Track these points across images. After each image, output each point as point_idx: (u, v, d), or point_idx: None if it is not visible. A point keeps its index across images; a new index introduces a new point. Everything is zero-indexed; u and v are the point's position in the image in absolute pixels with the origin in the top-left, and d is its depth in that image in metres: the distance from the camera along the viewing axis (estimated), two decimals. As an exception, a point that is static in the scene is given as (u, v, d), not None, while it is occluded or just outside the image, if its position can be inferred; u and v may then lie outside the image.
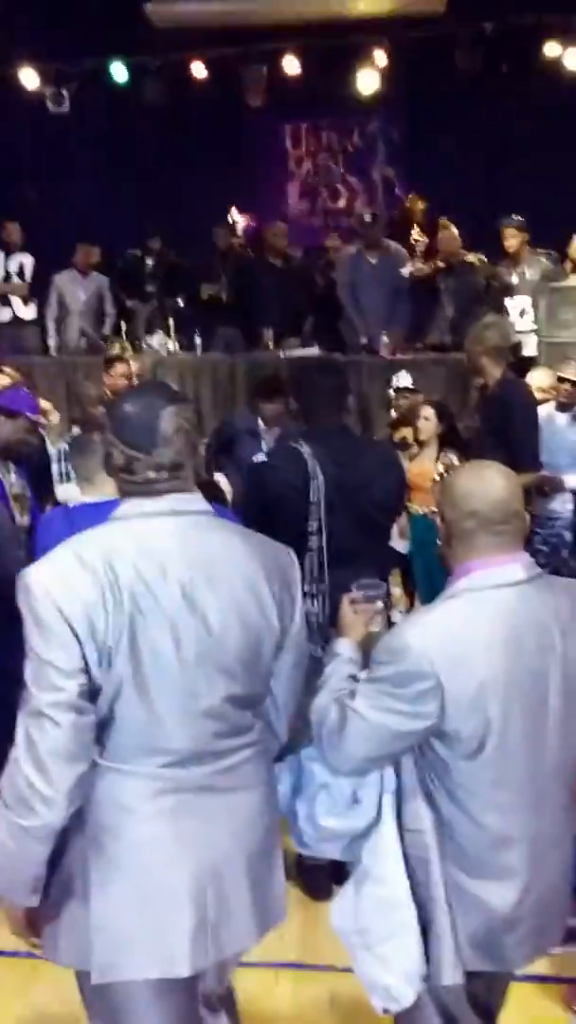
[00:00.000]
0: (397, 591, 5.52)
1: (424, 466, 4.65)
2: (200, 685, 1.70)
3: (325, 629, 2.94)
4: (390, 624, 5.40)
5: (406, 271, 7.17)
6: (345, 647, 2.03)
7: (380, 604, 2.18)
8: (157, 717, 1.67)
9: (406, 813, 1.83)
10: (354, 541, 2.97)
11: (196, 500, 1.81)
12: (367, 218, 7.43)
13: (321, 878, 3.07)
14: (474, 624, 1.74)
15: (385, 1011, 1.85)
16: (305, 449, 2.97)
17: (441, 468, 4.30)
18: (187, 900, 1.71)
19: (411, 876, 1.80)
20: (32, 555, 2.89)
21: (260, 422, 5.00)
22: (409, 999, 1.80)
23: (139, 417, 1.74)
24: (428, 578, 4.51)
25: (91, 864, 1.70)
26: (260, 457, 3.16)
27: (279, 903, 1.90)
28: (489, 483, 1.81)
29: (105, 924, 1.69)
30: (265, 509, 2.99)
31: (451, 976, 1.79)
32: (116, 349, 6.88)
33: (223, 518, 1.91)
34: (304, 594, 2.99)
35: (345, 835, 1.91)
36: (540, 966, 2.64)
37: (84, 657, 1.63)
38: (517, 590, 1.77)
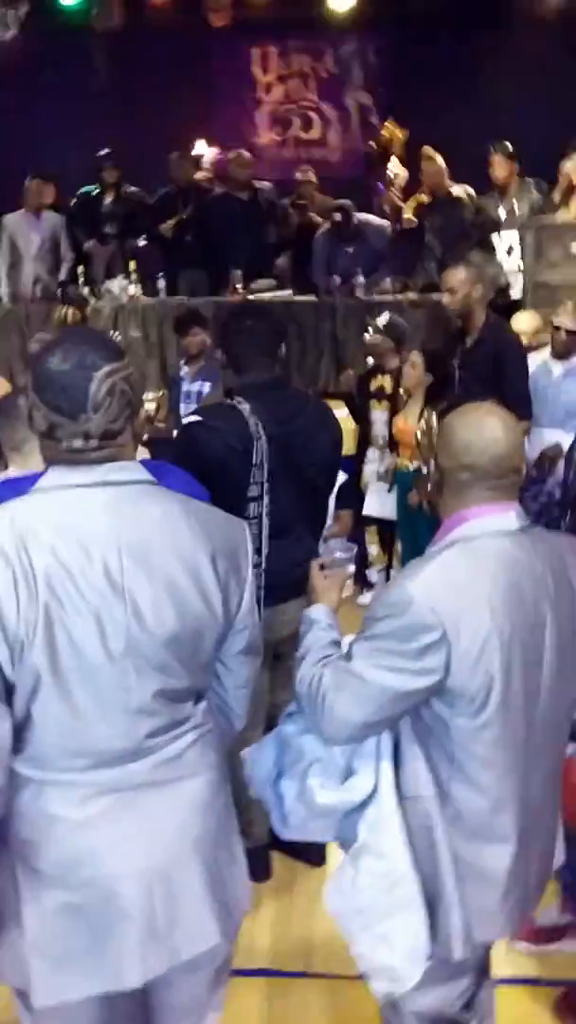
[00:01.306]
0: (374, 549, 5.16)
1: (410, 420, 4.28)
2: (129, 680, 1.56)
3: (259, 604, 2.65)
4: (366, 586, 5.12)
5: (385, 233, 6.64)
6: (321, 613, 1.94)
7: (351, 568, 2.09)
8: (81, 716, 1.55)
9: (404, 780, 1.75)
10: (295, 507, 2.77)
11: (133, 469, 1.61)
12: (337, 217, 6.74)
13: (313, 845, 2.94)
14: (477, 573, 1.67)
15: (388, 995, 1.77)
16: (244, 406, 2.68)
17: (423, 426, 3.88)
18: (131, 907, 1.61)
19: (413, 847, 1.72)
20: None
21: (183, 365, 4.61)
22: (414, 979, 1.73)
23: (66, 377, 1.53)
24: (413, 537, 4.22)
25: (21, 881, 1.60)
26: (193, 417, 2.76)
27: (242, 891, 1.81)
28: (489, 436, 1.72)
29: (42, 944, 1.59)
30: (201, 476, 2.62)
31: (461, 950, 1.73)
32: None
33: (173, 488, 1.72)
34: None
35: (340, 811, 1.80)
36: (528, 968, 2.64)
37: None
38: (513, 539, 1.72)
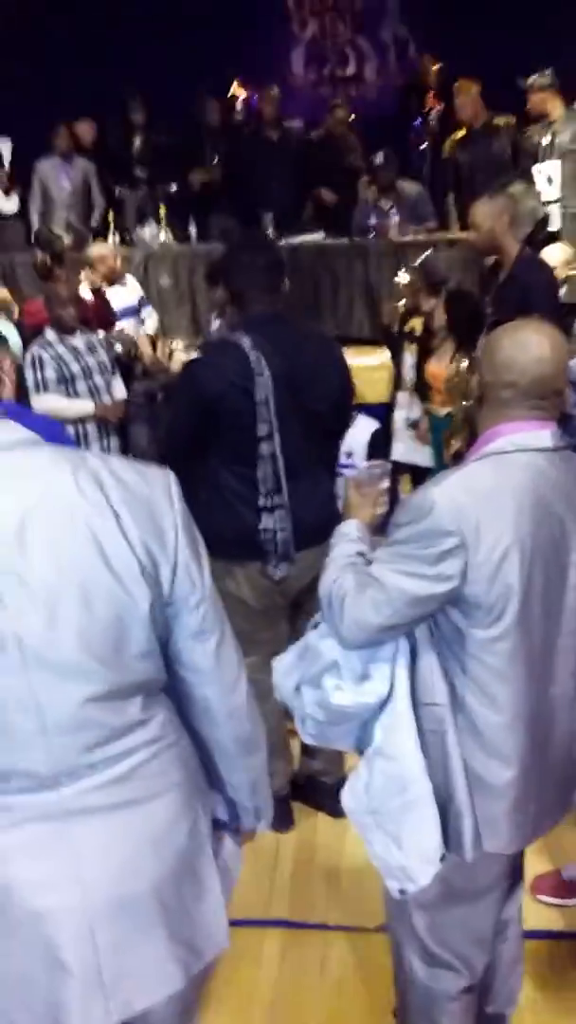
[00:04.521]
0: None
1: (441, 364, 4.11)
2: (40, 694, 1.29)
3: (288, 547, 2.67)
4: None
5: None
6: (352, 527, 1.91)
7: (386, 483, 2.05)
8: None
9: (420, 686, 1.74)
10: (307, 448, 2.66)
11: (10, 428, 1.35)
12: (378, 160, 6.43)
13: (329, 792, 2.87)
14: (503, 485, 1.66)
15: (402, 892, 1.76)
16: (244, 340, 2.58)
17: (453, 370, 3.73)
18: (68, 955, 1.34)
19: (426, 751, 1.72)
20: None
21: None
22: (427, 878, 1.72)
23: None
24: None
25: None
26: (190, 355, 2.69)
27: (213, 928, 1.50)
28: (535, 354, 1.69)
29: None
30: (204, 418, 2.60)
31: (471, 852, 1.73)
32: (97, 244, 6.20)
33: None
34: (259, 507, 2.62)
35: (357, 714, 1.79)
36: (552, 921, 2.58)
37: None
38: (546, 456, 1.71)
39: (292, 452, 2.63)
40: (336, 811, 3.01)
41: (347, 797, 1.82)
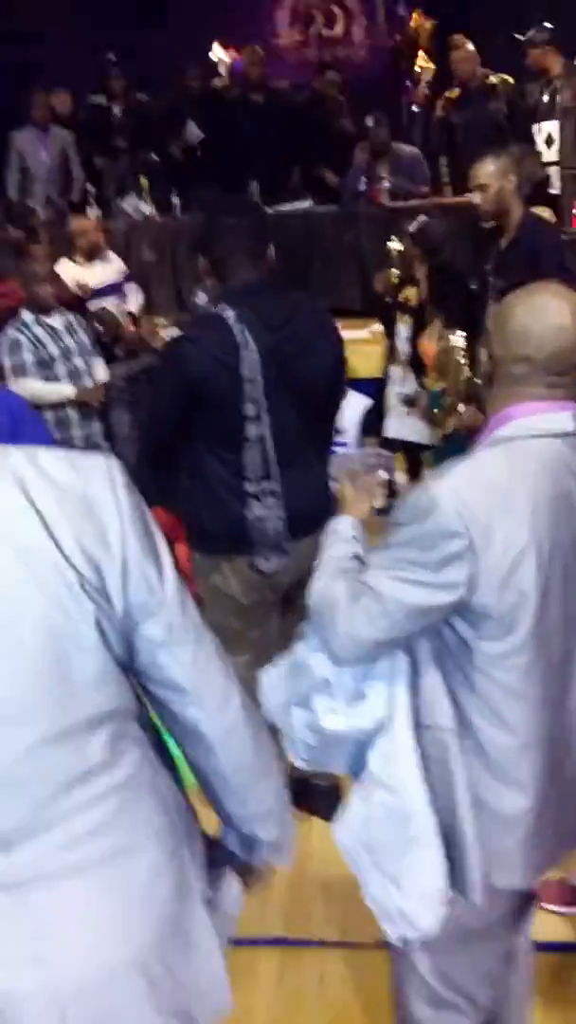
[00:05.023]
0: (402, 477, 4.82)
1: (433, 339, 3.92)
2: None
3: (279, 537, 2.47)
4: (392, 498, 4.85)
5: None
6: (346, 524, 1.71)
7: (384, 474, 1.86)
8: None
9: (422, 707, 1.55)
10: (298, 429, 2.43)
11: None
12: (370, 122, 6.18)
13: (324, 796, 2.75)
14: (517, 477, 1.46)
15: (404, 941, 1.61)
16: (228, 313, 2.36)
17: (442, 346, 3.53)
18: None
19: (428, 780, 1.53)
20: None
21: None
22: (430, 923, 1.55)
23: None
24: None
25: None
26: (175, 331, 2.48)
27: (211, 991, 1.31)
28: (554, 322, 1.47)
29: None
30: (189, 397, 2.39)
31: (480, 895, 1.55)
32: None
33: None
34: (247, 495, 2.40)
35: (351, 738, 1.61)
36: (559, 932, 2.43)
37: None
38: (567, 442, 1.50)
39: (282, 434, 2.42)
40: (331, 816, 2.84)
41: (341, 832, 1.65)
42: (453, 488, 1.43)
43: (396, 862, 1.55)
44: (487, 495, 1.43)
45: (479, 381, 1.75)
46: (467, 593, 1.43)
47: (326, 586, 1.55)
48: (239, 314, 2.36)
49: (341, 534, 1.68)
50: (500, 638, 1.46)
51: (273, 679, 1.71)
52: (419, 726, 1.54)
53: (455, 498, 1.42)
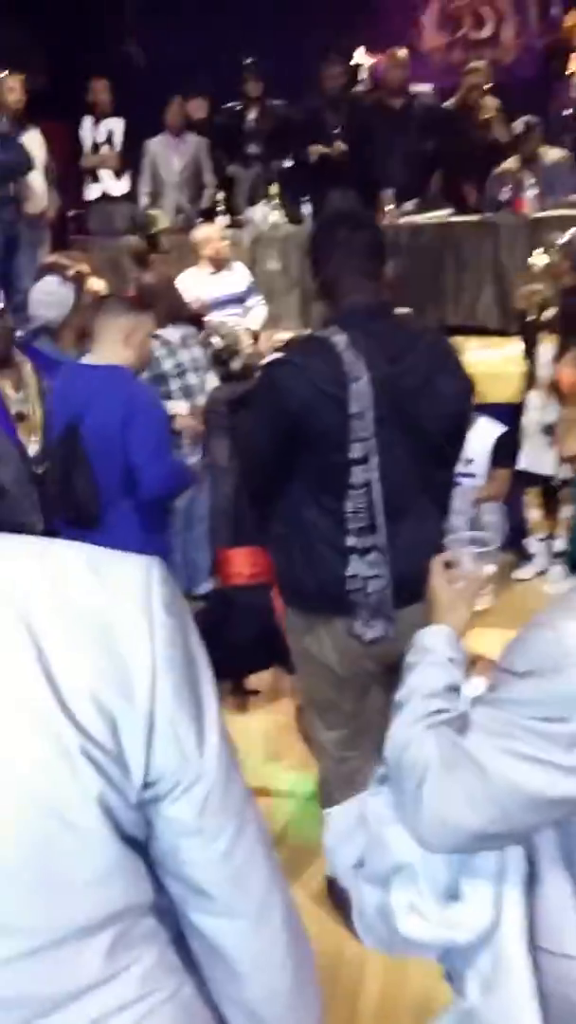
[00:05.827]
0: (536, 514, 4.35)
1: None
2: None
3: (383, 601, 2.14)
4: (523, 559, 4.37)
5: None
6: (439, 639, 1.34)
7: (492, 568, 1.59)
8: None
9: (541, 923, 1.17)
10: (413, 475, 2.14)
11: None
12: (520, 126, 5.79)
13: None
14: None
15: None
16: (338, 338, 2.07)
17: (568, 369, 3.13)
18: None
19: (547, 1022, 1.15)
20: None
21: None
22: None
23: None
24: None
25: None
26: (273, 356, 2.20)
27: None
28: None
29: None
30: (287, 432, 2.10)
31: None
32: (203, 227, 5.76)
33: None
34: (349, 549, 2.04)
35: (436, 948, 1.27)
36: None
37: None
38: None
39: (393, 481, 2.10)
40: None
41: None
42: None
43: None
44: None
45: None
46: None
47: (410, 740, 1.17)
48: (351, 340, 2.05)
49: (434, 654, 1.30)
50: None
51: (340, 828, 1.36)
52: (537, 948, 1.16)
53: None
